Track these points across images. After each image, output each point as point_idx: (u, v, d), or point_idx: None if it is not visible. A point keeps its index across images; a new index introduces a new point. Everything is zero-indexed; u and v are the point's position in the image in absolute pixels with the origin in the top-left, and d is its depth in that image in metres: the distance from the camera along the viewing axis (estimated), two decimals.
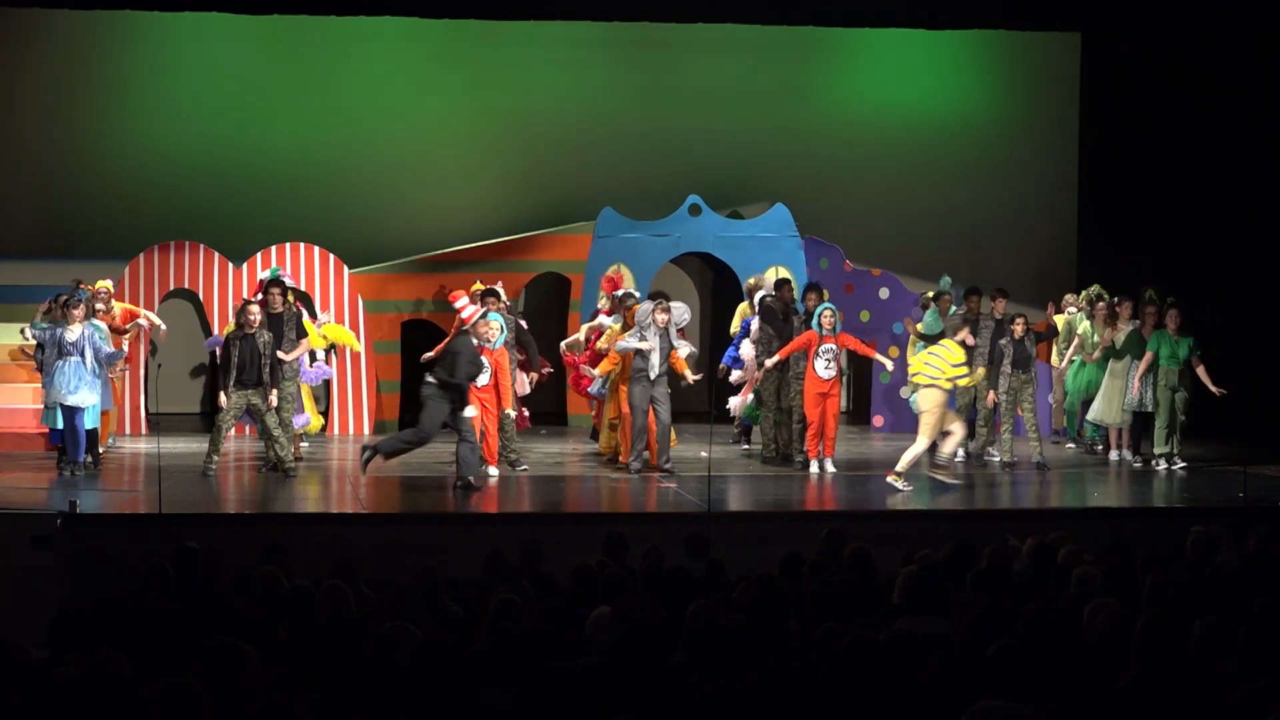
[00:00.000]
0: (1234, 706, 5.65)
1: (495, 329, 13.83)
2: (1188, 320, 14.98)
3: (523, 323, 15.18)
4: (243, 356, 13.67)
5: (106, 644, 6.18)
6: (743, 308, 16.55)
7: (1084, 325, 16.18)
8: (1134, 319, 15.43)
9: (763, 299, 15.46)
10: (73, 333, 13.65)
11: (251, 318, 13.75)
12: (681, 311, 14.52)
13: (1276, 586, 7.63)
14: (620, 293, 15.44)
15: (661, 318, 14.09)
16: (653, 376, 14.08)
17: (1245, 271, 18.11)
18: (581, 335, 15.75)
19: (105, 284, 15.00)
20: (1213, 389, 14.78)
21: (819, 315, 14.41)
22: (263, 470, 14.11)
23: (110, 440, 15.23)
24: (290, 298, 14.76)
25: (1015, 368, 14.89)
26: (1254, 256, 18.16)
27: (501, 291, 15.04)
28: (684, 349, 14.28)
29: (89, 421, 13.80)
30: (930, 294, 16.54)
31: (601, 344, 14.92)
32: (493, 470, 13.99)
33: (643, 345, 14.00)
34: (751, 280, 16.51)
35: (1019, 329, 14.92)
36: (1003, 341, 14.92)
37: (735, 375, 15.58)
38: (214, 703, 5.16)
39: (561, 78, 19.42)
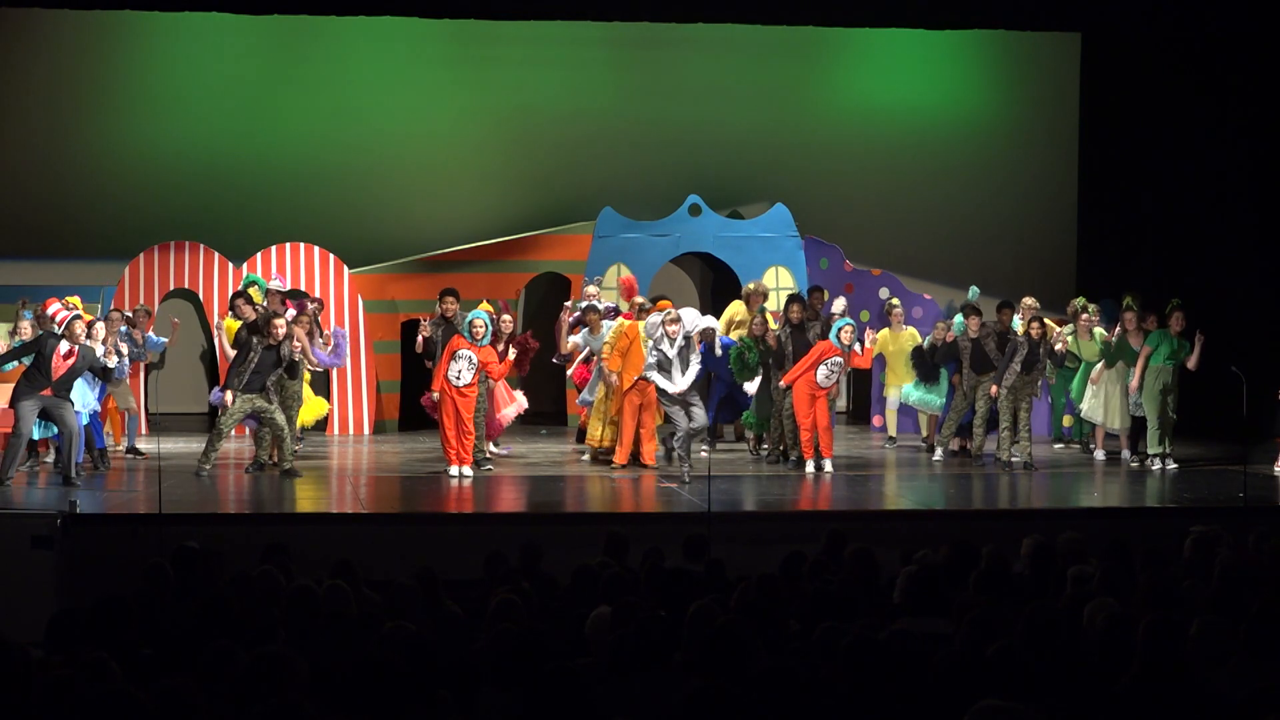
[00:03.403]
0: (1234, 706, 5.66)
1: (480, 326, 13.92)
2: (1187, 322, 14.97)
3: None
4: (263, 363, 13.68)
5: (105, 644, 6.19)
6: (737, 306, 16.47)
7: (1069, 336, 16.17)
8: (1141, 326, 15.43)
9: (787, 312, 15.14)
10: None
11: (276, 329, 13.74)
12: (693, 317, 14.38)
13: (1276, 586, 7.63)
14: (606, 304, 15.43)
15: (673, 329, 13.94)
16: (673, 393, 14.02)
17: (1245, 272, 18.10)
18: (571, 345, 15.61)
19: (74, 300, 14.58)
20: (1194, 358, 14.82)
21: (838, 330, 14.39)
22: (250, 471, 14.12)
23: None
24: (259, 300, 14.84)
25: (1024, 369, 14.86)
26: (1254, 256, 18.15)
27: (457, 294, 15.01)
28: (687, 377, 14.10)
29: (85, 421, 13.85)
30: (958, 304, 16.50)
31: (605, 357, 14.80)
32: (467, 470, 13.99)
33: (668, 386, 13.95)
34: (751, 285, 16.43)
35: (1035, 330, 14.86)
36: (1019, 339, 14.88)
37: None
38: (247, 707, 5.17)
39: (561, 78, 19.42)
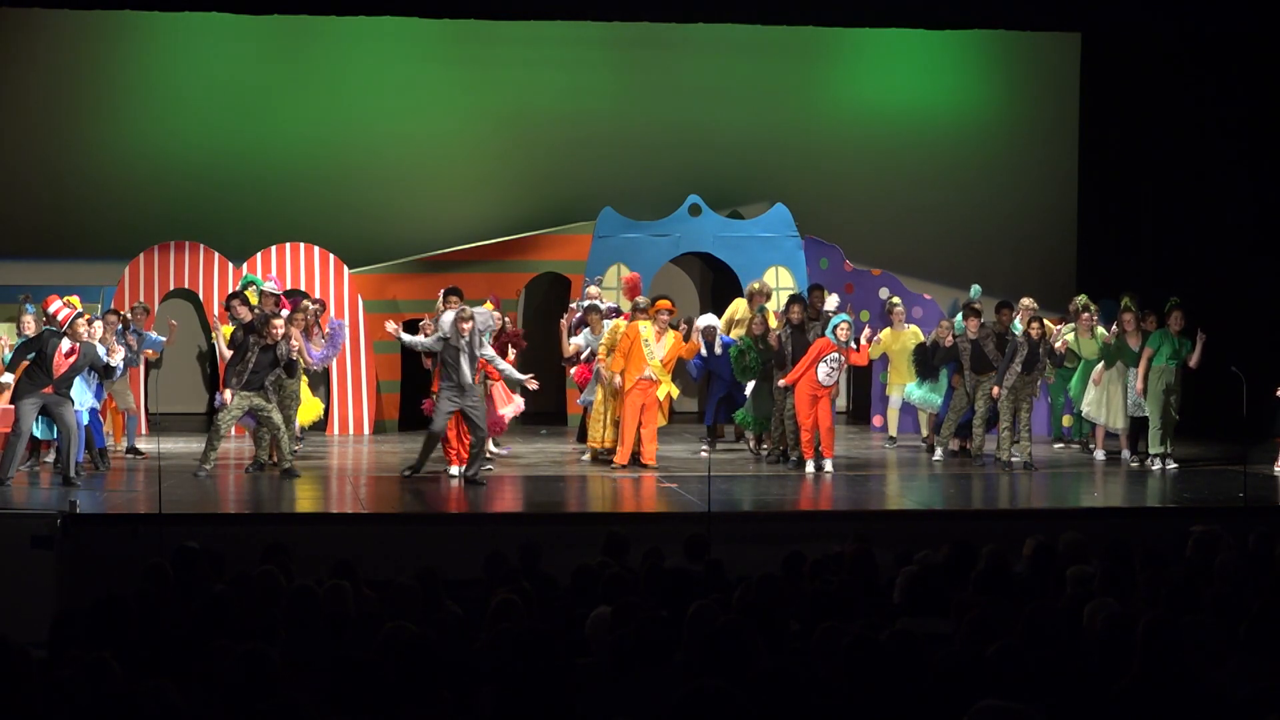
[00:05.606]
0: (1234, 706, 5.66)
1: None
2: (1187, 321, 14.98)
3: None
4: (259, 363, 13.70)
5: (106, 644, 6.18)
6: (740, 304, 16.45)
7: (1068, 334, 16.16)
8: (1140, 326, 15.40)
9: (786, 314, 15.10)
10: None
11: (275, 329, 13.75)
12: (485, 318, 14.16)
13: (1276, 586, 7.63)
14: (608, 305, 15.42)
15: (465, 326, 13.57)
16: (463, 384, 13.61)
17: (1245, 271, 18.10)
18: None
19: (74, 300, 14.59)
20: (1195, 355, 14.80)
21: (834, 326, 14.39)
22: (250, 471, 14.13)
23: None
24: (256, 301, 14.85)
25: (1024, 369, 14.86)
26: (1254, 256, 18.15)
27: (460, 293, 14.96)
28: (509, 370, 14.04)
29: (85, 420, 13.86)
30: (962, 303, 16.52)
31: (601, 358, 14.81)
32: (454, 471, 14.01)
33: (417, 341, 13.81)
34: (755, 285, 16.42)
35: (1035, 330, 14.87)
36: (1019, 339, 14.88)
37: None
38: (233, 704, 5.16)
39: (561, 78, 19.42)
